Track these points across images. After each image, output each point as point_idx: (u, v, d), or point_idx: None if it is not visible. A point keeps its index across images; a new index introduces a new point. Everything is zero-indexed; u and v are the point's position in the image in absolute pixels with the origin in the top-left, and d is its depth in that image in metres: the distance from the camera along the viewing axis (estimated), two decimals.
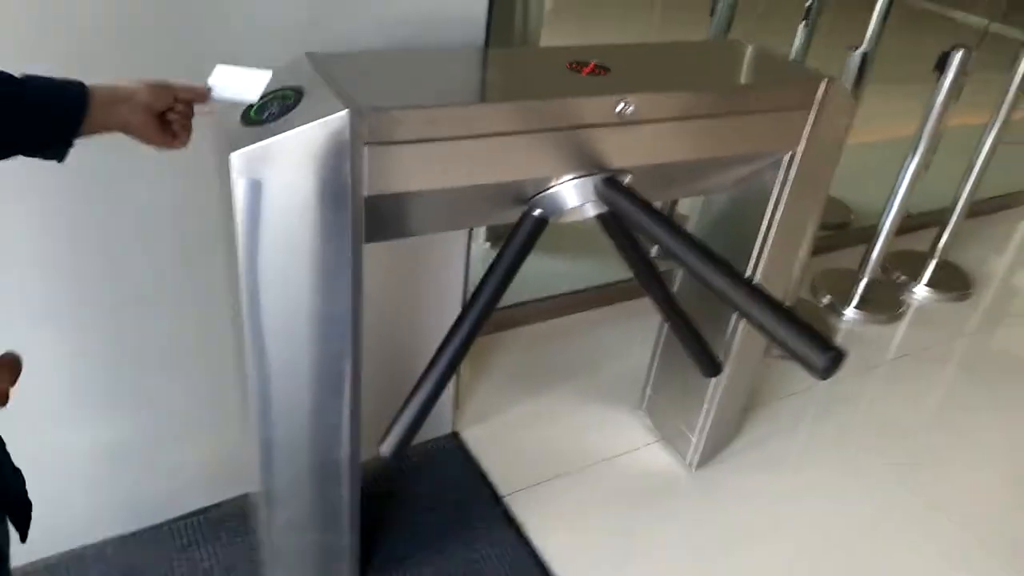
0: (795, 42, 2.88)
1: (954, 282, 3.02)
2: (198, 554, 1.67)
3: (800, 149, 1.56)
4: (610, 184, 1.35)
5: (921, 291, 2.98)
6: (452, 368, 1.43)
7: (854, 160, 3.57)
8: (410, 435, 1.44)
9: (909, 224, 3.34)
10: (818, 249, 3.16)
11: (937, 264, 3.01)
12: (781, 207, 1.65)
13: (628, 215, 1.31)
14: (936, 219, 3.05)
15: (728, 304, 1.19)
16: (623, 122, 1.32)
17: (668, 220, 1.27)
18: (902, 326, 2.80)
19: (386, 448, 1.44)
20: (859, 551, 1.87)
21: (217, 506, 1.77)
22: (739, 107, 1.43)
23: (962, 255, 3.16)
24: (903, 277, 3.02)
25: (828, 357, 1.02)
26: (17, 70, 0.88)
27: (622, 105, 1.29)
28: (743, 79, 1.51)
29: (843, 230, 3.28)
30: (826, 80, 1.48)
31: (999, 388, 2.52)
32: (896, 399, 2.42)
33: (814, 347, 1.03)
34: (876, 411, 2.36)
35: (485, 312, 1.43)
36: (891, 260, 3.11)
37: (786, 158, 1.58)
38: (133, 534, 1.69)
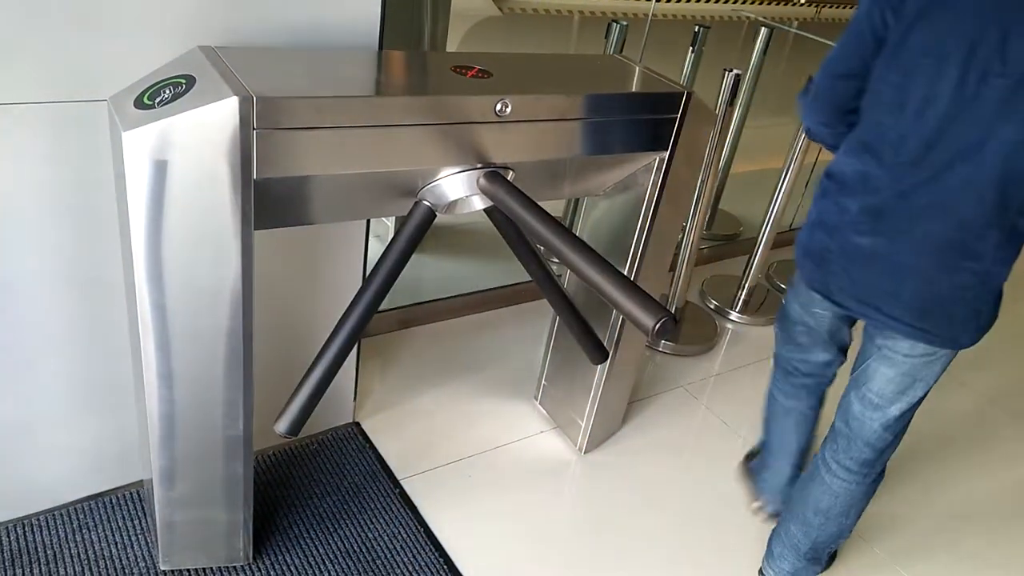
0: (685, 66, 3.11)
1: None
2: (91, 536, 1.70)
3: (667, 153, 1.73)
4: (491, 176, 1.47)
5: None
6: (347, 348, 1.51)
7: (751, 182, 3.85)
8: (305, 413, 1.50)
9: (792, 238, 3.62)
10: (710, 258, 3.40)
11: None
12: (654, 207, 1.81)
13: (504, 203, 1.43)
14: None
15: (580, 277, 1.31)
16: (502, 120, 1.45)
17: (536, 206, 1.39)
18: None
19: (282, 425, 1.49)
20: (722, 523, 2.04)
21: (112, 491, 1.80)
22: (608, 112, 1.58)
23: None
24: (784, 284, 3.26)
25: (657, 319, 1.16)
26: None
27: (500, 104, 1.42)
28: (614, 87, 1.67)
29: (732, 241, 3.52)
30: (686, 92, 1.66)
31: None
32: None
33: (646, 310, 1.17)
34: (752, 403, 2.55)
35: (377, 295, 1.52)
36: (776, 270, 3.37)
37: (656, 161, 1.75)
38: (23, 519, 1.70)
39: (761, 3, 7.90)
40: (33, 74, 1.30)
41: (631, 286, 1.21)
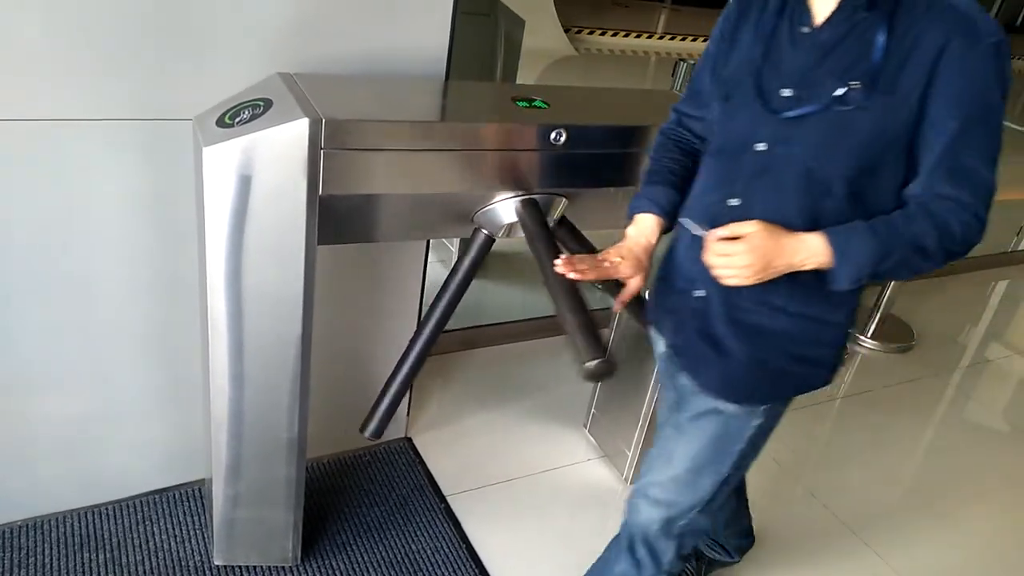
0: None
1: (897, 335, 3.20)
2: (153, 528, 1.80)
3: None
4: (525, 203, 1.52)
5: (866, 341, 3.15)
6: (421, 360, 1.61)
7: None
8: (386, 419, 1.64)
9: None
10: None
11: (881, 317, 3.19)
12: None
13: (526, 227, 1.48)
14: None
15: (554, 301, 1.34)
16: (556, 149, 1.51)
17: (546, 233, 1.45)
18: (844, 372, 2.97)
19: (369, 430, 1.64)
20: (767, 558, 2.00)
21: (175, 487, 1.90)
22: None
23: (909, 312, 3.34)
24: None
25: (593, 357, 1.22)
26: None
27: (555, 134, 1.48)
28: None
29: None
30: None
31: (926, 429, 2.69)
32: (824, 435, 2.58)
33: (590, 348, 1.22)
34: (804, 442, 2.50)
35: (445, 314, 1.60)
36: None
37: None
38: (93, 507, 1.82)
39: None
40: (129, 94, 1.43)
41: (589, 326, 1.26)
